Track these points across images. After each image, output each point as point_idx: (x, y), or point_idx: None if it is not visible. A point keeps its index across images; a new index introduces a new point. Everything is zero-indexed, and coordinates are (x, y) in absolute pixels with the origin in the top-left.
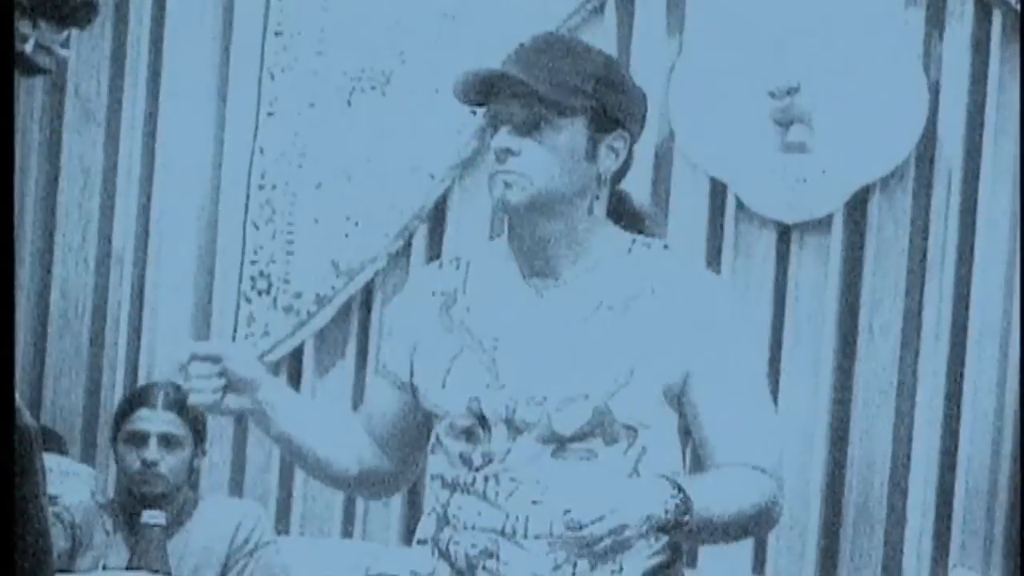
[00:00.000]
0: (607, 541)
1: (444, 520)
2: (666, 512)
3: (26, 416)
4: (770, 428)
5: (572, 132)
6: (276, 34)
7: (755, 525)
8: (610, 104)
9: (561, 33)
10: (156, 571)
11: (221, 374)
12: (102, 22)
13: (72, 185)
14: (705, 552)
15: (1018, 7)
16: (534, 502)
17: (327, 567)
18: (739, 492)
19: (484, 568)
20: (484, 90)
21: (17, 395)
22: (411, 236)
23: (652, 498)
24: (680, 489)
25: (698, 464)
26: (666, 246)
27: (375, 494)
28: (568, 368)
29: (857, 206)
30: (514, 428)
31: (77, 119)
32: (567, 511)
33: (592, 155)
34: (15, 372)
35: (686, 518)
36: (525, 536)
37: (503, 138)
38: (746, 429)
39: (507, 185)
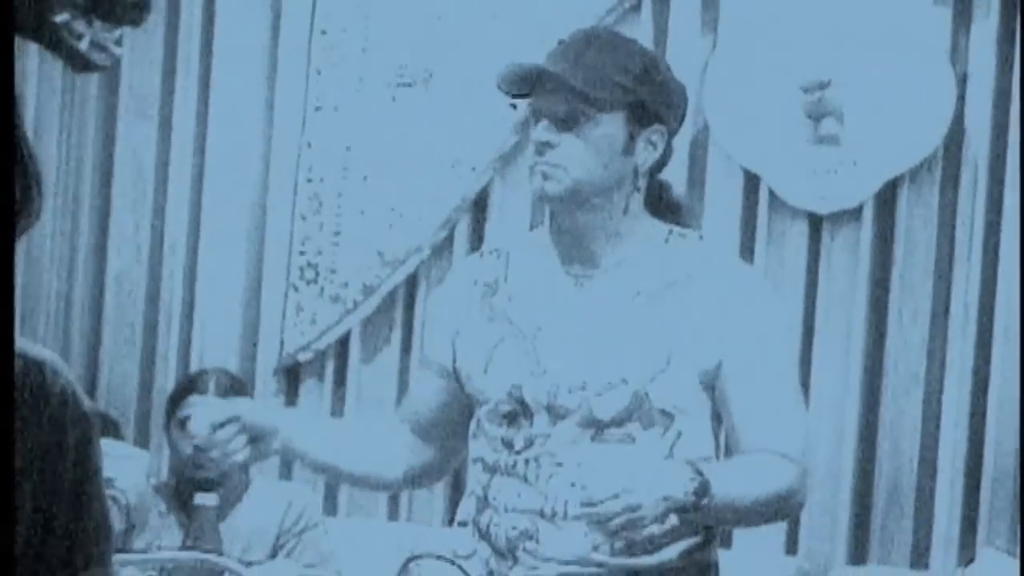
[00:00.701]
0: (621, 519)
1: (484, 502)
2: (684, 494)
3: (85, 402)
4: (797, 416)
5: (610, 126)
6: (322, 32)
7: (777, 510)
8: (648, 99)
9: (602, 28)
10: (209, 551)
11: (243, 430)
12: (155, 20)
13: (126, 178)
14: (739, 534)
15: None
16: (573, 485)
17: (372, 548)
18: (761, 477)
19: (524, 549)
20: (526, 83)
21: (75, 381)
22: (454, 227)
23: (671, 480)
24: (699, 472)
25: (731, 449)
26: (701, 237)
27: (421, 485)
28: (607, 355)
29: (887, 197)
30: (555, 413)
31: (131, 114)
32: (583, 487)
33: (630, 149)
34: (14, 369)
35: (704, 501)
36: (564, 518)
37: (542, 131)
38: (773, 417)
39: (545, 176)
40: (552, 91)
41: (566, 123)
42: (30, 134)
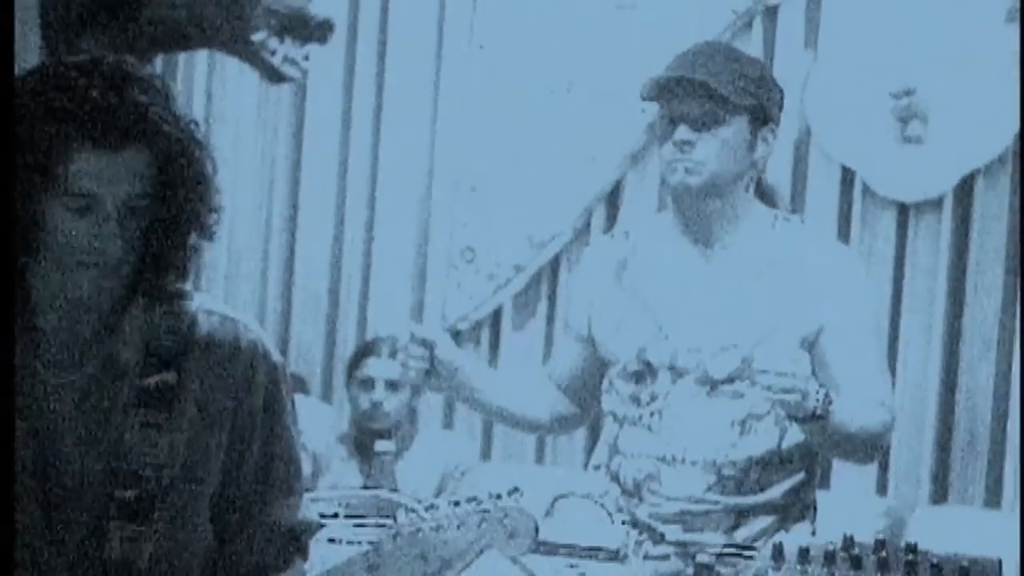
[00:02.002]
0: (795, 396)
1: (615, 449)
2: (817, 400)
3: (275, 354)
4: (885, 373)
5: (738, 126)
6: (480, 47)
7: (871, 445)
8: (766, 102)
9: (719, 43)
10: (386, 490)
11: (428, 357)
12: (336, 40)
13: (312, 173)
14: (836, 475)
15: None
16: (690, 434)
17: (527, 486)
18: (863, 414)
19: (648, 489)
20: (665, 90)
21: (266, 338)
22: (591, 215)
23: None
24: (823, 386)
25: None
26: (803, 221)
27: (561, 432)
28: (720, 322)
29: (964, 189)
30: (675, 372)
31: (315, 120)
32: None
33: (752, 145)
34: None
35: (830, 407)
36: (683, 462)
37: (683, 132)
38: (866, 372)
39: (687, 171)
40: (688, 97)
41: (704, 124)
42: (229, 141)
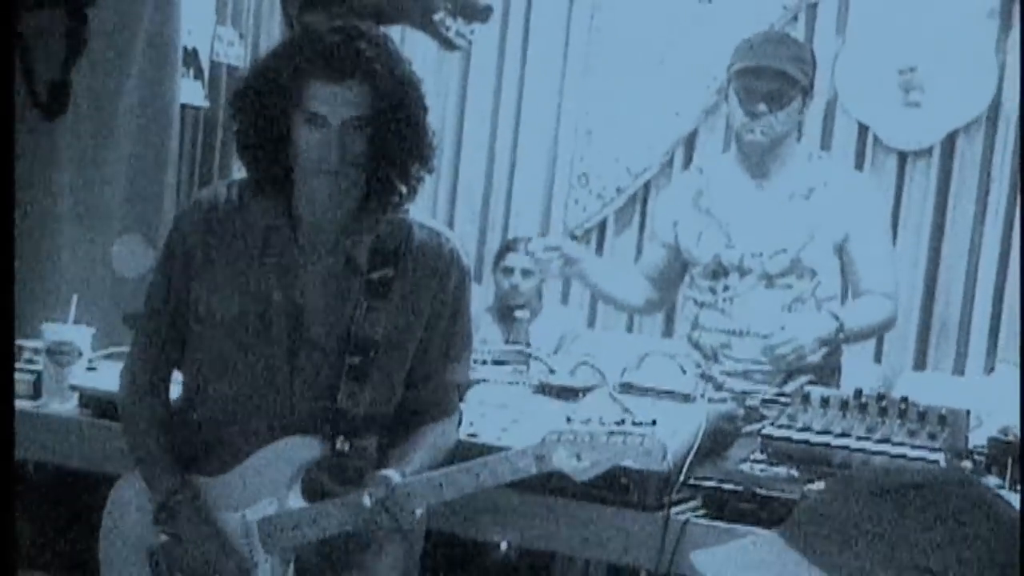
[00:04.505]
0: (791, 356)
1: (696, 324)
2: (829, 334)
3: (465, 259)
4: (893, 269)
5: (796, 98)
6: (598, 31)
7: (882, 330)
8: (813, 78)
9: (777, 32)
10: (523, 345)
11: (559, 256)
12: (493, 20)
13: (473, 118)
14: (846, 348)
15: None
16: (752, 315)
17: (618, 350)
18: (874, 311)
19: (722, 354)
20: (746, 72)
21: (460, 247)
22: (673, 154)
23: (822, 326)
24: (837, 317)
25: (847, 291)
26: (831, 156)
27: (646, 312)
28: (774, 233)
29: (949, 141)
30: (742, 270)
31: (477, 85)
32: (765, 337)
33: (801, 109)
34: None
35: (841, 335)
36: (748, 335)
37: (760, 106)
38: (880, 269)
39: (761, 133)
40: (764, 78)
41: (774, 100)
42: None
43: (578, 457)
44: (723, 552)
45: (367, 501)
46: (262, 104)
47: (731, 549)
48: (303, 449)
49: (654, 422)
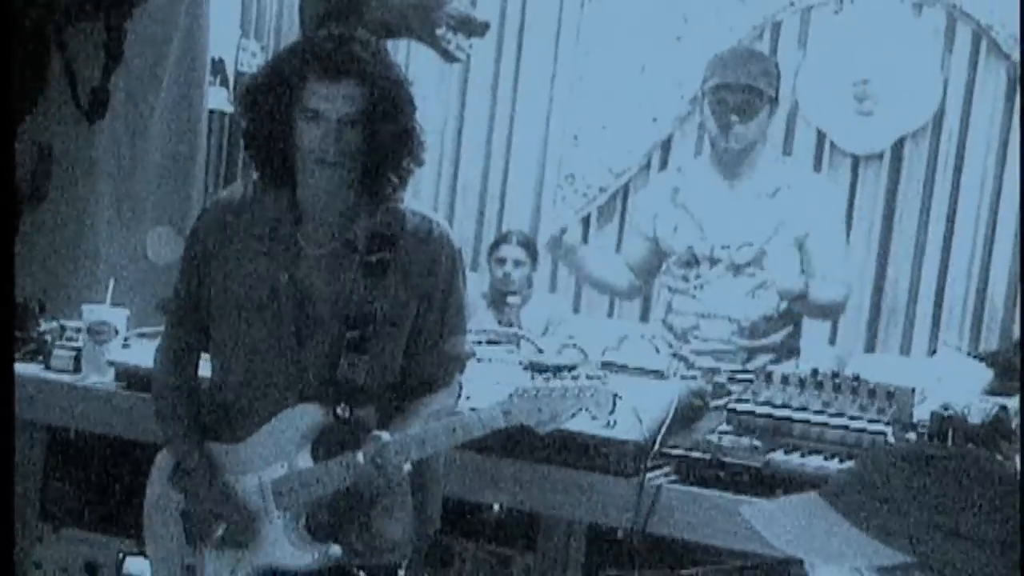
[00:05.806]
0: (751, 257)
1: (669, 308)
2: (799, 287)
3: (455, 242)
4: (846, 260)
5: (764, 108)
6: (586, 54)
7: (837, 309)
8: (778, 89)
9: (745, 47)
10: (514, 328)
11: (560, 245)
12: (490, 35)
13: (471, 123)
14: (805, 331)
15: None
16: (720, 299)
17: (600, 333)
18: (830, 291)
19: (692, 335)
20: (719, 87)
21: (450, 231)
22: (651, 155)
23: (791, 281)
24: (806, 284)
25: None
26: (794, 160)
27: (628, 297)
28: (743, 227)
29: (898, 146)
30: (712, 260)
31: (475, 88)
32: (732, 321)
33: (768, 118)
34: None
35: (808, 291)
36: (716, 317)
37: (732, 117)
38: (836, 260)
39: (737, 140)
40: (736, 92)
41: (745, 112)
42: (419, 100)
43: (539, 410)
44: (770, 507)
45: (360, 459)
46: (267, 102)
47: (777, 505)
48: (309, 416)
49: (605, 376)
